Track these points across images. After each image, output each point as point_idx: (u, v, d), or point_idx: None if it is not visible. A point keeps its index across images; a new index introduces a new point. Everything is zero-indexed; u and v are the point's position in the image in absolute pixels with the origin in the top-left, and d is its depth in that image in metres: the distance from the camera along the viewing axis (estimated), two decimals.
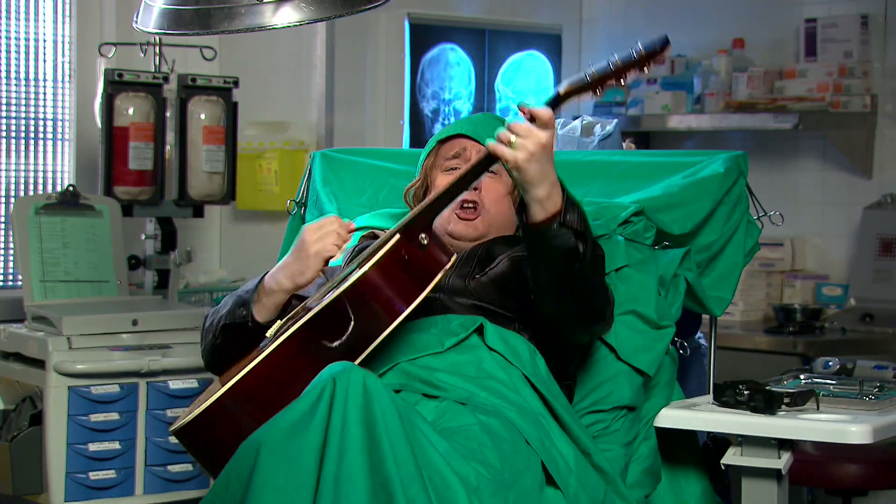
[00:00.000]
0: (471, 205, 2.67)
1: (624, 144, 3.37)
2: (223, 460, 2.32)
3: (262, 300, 2.55)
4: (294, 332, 2.38)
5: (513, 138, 2.33)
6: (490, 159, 2.40)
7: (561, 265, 2.43)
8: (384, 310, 2.37)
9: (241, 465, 2.16)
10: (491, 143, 2.36)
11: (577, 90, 2.38)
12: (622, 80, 2.38)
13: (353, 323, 2.35)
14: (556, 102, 2.39)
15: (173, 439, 2.48)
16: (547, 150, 2.35)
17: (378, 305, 2.36)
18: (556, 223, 2.38)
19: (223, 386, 2.40)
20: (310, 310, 2.42)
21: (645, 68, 2.37)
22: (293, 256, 2.51)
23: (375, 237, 2.81)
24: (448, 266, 2.45)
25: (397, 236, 2.40)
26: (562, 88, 2.39)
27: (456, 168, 2.70)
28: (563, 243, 2.40)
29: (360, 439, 2.10)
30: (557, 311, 2.54)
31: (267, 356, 2.38)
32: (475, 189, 2.67)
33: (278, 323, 2.54)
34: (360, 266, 2.43)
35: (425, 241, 2.43)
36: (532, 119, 2.34)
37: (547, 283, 2.50)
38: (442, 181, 2.69)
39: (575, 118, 3.44)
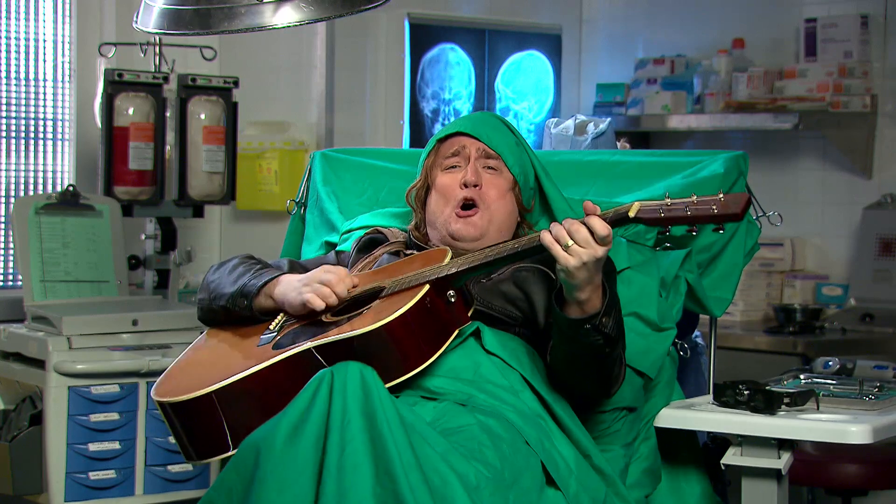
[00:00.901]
0: (471, 202, 2.66)
1: (619, 144, 3.37)
2: (200, 444, 2.36)
3: (264, 300, 2.56)
4: (301, 352, 2.38)
5: (570, 242, 2.30)
6: (540, 248, 2.37)
7: (583, 355, 2.44)
8: (398, 358, 2.36)
9: (242, 466, 2.16)
10: (547, 237, 2.32)
11: (647, 221, 2.33)
12: (694, 230, 2.32)
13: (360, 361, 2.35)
14: (621, 222, 2.34)
15: (172, 439, 2.49)
16: (599, 262, 2.32)
17: (393, 352, 2.36)
18: (588, 324, 2.36)
19: (217, 379, 2.40)
20: (322, 326, 2.42)
21: (721, 228, 2.31)
22: (300, 283, 2.51)
23: (379, 232, 2.81)
24: (466, 324, 2.45)
25: (427, 287, 2.39)
26: (633, 212, 2.32)
27: (456, 166, 2.69)
28: (591, 342, 2.39)
29: (361, 429, 2.11)
30: (565, 376, 2.53)
31: (268, 367, 2.38)
32: (475, 186, 2.66)
33: (282, 316, 2.55)
34: (382, 301, 2.41)
35: (453, 299, 2.43)
36: (591, 230, 2.30)
37: (562, 359, 2.50)
38: (442, 180, 2.69)
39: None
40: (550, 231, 2.33)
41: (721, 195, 2.29)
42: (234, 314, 2.60)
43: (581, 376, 2.50)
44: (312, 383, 2.17)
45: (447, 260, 2.47)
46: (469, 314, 2.47)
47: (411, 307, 2.35)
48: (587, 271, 2.31)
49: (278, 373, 2.38)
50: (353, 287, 2.51)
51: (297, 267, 2.73)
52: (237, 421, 2.35)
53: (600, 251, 2.30)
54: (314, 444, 2.11)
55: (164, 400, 2.42)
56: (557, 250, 2.31)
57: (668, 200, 2.30)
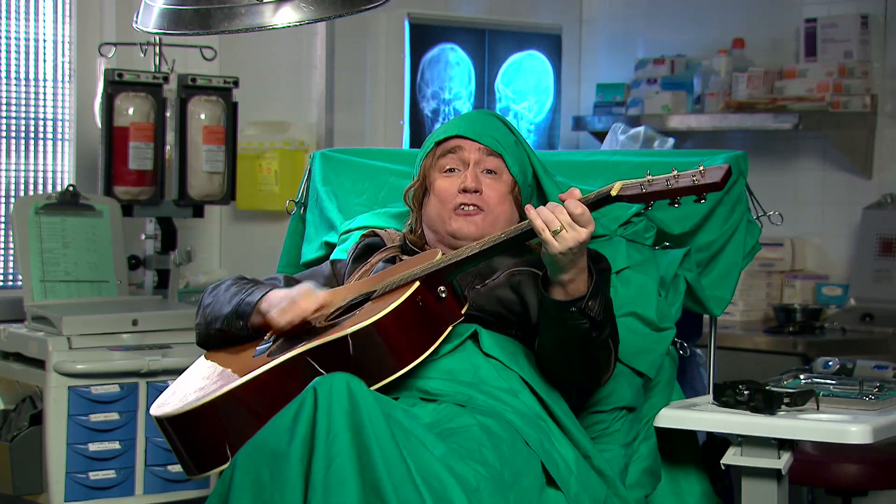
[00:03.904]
0: (472, 207, 2.65)
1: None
2: (200, 457, 2.36)
3: (256, 317, 2.56)
4: (295, 356, 2.38)
5: (558, 227, 2.32)
6: (526, 234, 2.39)
7: (569, 340, 2.44)
8: (391, 355, 2.36)
9: (243, 476, 2.16)
10: (538, 222, 2.33)
11: (630, 198, 2.35)
12: (677, 202, 2.34)
13: (354, 362, 2.34)
14: (604, 202, 2.36)
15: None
16: (583, 246, 2.34)
17: (386, 349, 2.36)
18: (574, 307, 2.38)
19: (213, 391, 2.40)
20: (315, 332, 2.42)
21: (702, 198, 2.33)
22: (285, 302, 2.50)
23: (375, 235, 2.80)
24: (459, 320, 2.45)
25: (417, 283, 2.39)
26: (615, 191, 2.35)
27: (454, 170, 2.69)
28: (577, 326, 2.40)
29: (347, 444, 2.10)
30: (552, 364, 2.53)
31: (262, 374, 2.38)
32: (476, 192, 2.65)
33: None
34: (374, 302, 2.41)
35: (444, 294, 2.43)
36: (569, 212, 2.32)
37: (549, 344, 2.50)
38: (441, 184, 2.68)
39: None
40: (539, 216, 2.34)
41: (701, 167, 2.31)
42: (232, 335, 2.60)
43: (568, 363, 2.50)
44: (299, 397, 2.16)
45: (437, 258, 2.47)
46: (462, 311, 2.47)
47: (401, 303, 2.35)
48: (572, 254, 2.34)
49: (273, 380, 2.37)
50: (313, 314, 2.49)
51: (292, 282, 2.72)
52: (235, 431, 2.34)
53: (583, 234, 2.32)
54: (300, 459, 2.10)
55: (162, 415, 2.42)
56: (547, 235, 2.33)
57: (650, 177, 2.33)
